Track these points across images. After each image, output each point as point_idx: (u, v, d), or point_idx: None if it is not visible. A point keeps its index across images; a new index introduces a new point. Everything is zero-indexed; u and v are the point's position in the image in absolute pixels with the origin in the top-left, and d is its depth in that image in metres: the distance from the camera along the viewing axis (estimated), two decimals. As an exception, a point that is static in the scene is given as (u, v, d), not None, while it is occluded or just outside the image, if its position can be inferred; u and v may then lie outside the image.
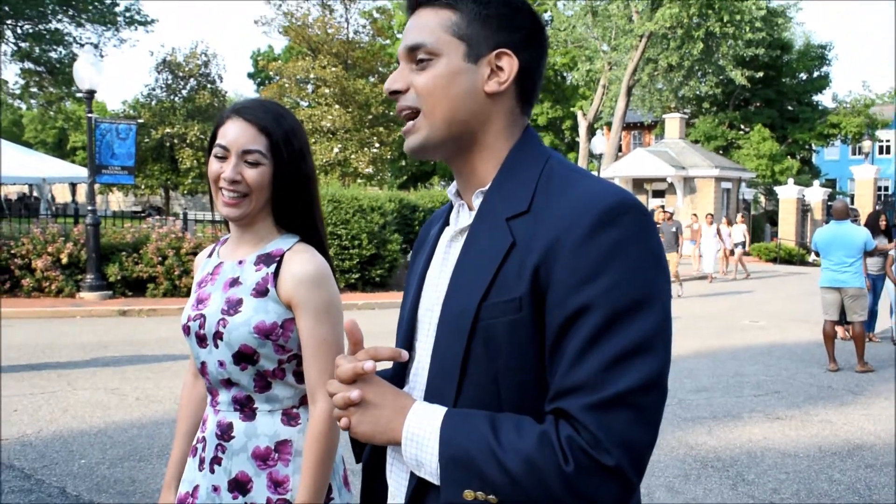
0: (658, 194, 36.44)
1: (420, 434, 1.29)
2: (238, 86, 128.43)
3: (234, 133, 2.08)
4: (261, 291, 2.09)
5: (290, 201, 2.17)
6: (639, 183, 36.60)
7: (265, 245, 2.18)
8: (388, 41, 44.75)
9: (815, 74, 44.57)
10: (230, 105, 2.19)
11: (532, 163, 1.40)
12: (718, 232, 24.29)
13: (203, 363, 2.14)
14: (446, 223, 1.56)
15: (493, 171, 1.43)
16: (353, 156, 37.85)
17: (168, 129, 38.35)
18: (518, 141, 1.44)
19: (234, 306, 2.09)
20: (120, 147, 15.99)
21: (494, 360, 1.31)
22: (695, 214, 26.55)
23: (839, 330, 11.16)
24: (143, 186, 41.91)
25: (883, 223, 12.59)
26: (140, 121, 30.42)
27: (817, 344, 11.04)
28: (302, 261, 2.12)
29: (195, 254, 15.50)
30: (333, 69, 37.04)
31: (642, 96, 40.11)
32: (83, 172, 22.13)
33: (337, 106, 37.46)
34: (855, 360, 10.16)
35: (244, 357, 2.06)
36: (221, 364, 2.09)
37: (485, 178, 1.43)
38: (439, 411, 1.30)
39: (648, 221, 1.28)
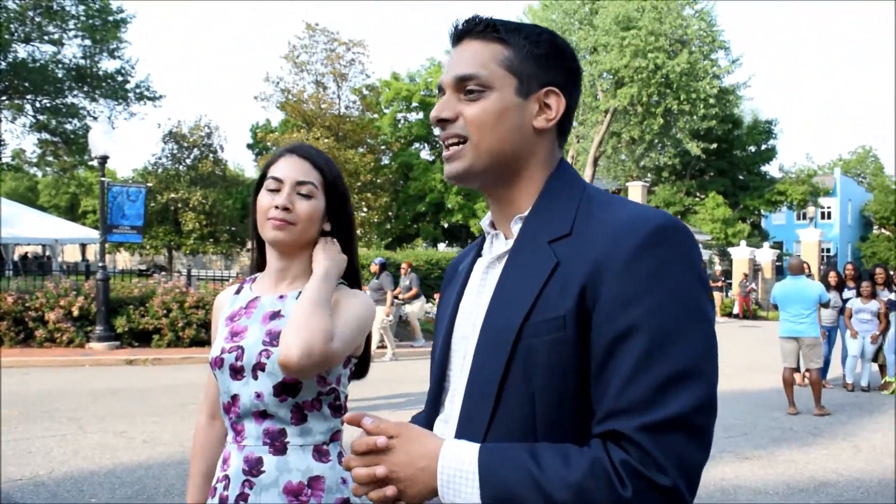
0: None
1: (455, 476, 1.15)
2: (237, 155, 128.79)
3: (289, 167, 2.00)
4: None
5: (339, 241, 2.08)
6: (605, 245, 36.66)
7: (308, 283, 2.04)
8: (375, 115, 45.03)
9: (763, 147, 45.21)
10: (279, 149, 2.10)
11: (571, 190, 1.33)
12: None
13: (234, 396, 1.96)
14: (478, 255, 1.46)
15: (530, 200, 1.36)
16: (343, 219, 37.71)
17: (173, 195, 38.25)
18: (554, 170, 1.37)
19: (276, 337, 1.93)
20: (130, 208, 15.87)
21: (531, 381, 1.20)
22: None
23: (796, 376, 11.08)
24: (148, 247, 41.66)
25: (834, 279, 12.60)
26: (149, 185, 30.36)
27: (776, 390, 10.93)
28: (353, 291, 2.05)
29: (198, 307, 15.32)
30: (326, 140, 37.13)
31: (607, 166, 40.55)
32: (93, 234, 21.90)
33: (329, 174, 37.45)
34: (812, 404, 10.05)
35: (286, 388, 1.90)
36: (259, 396, 1.92)
37: (522, 206, 1.36)
38: (472, 448, 1.17)
39: (693, 243, 1.20)
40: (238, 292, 2.15)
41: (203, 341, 15.19)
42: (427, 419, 1.43)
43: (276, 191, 1.98)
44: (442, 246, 49.97)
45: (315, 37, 36.96)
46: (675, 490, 1.08)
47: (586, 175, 35.92)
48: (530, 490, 1.08)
